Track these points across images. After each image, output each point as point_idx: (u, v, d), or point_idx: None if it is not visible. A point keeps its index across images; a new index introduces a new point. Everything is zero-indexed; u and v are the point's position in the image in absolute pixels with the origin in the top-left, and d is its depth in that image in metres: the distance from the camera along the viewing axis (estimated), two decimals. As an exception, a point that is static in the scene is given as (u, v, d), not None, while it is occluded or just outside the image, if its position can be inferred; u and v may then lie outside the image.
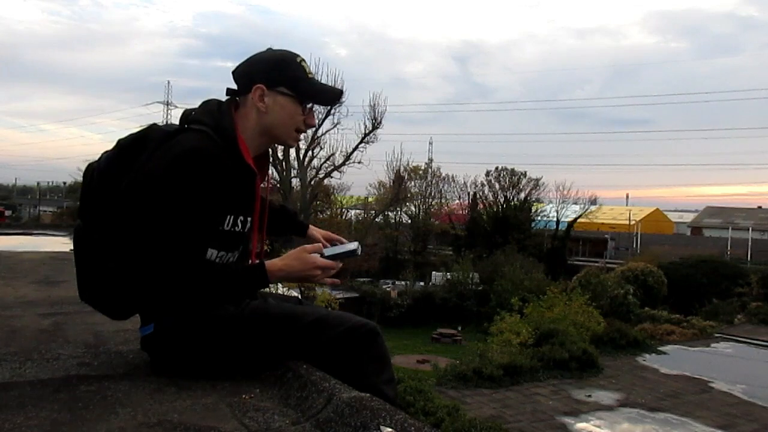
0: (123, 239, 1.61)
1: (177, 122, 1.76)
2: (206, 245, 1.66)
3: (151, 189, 1.56)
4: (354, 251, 1.75)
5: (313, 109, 1.81)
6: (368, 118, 24.32)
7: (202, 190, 1.56)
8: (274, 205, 2.03)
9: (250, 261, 1.80)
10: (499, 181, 34.19)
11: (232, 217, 1.67)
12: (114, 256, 1.65)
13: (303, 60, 1.74)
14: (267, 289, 2.00)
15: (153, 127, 1.72)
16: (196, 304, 1.62)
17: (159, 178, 1.55)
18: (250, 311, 1.67)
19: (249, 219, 1.72)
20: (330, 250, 1.72)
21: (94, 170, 1.73)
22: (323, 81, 1.85)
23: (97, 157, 1.78)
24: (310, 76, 1.73)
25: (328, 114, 22.81)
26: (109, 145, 1.77)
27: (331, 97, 1.81)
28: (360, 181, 63.51)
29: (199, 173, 1.55)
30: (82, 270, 1.74)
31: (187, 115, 1.71)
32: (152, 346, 1.72)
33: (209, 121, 1.66)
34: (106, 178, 1.69)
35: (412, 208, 36.28)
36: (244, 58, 1.76)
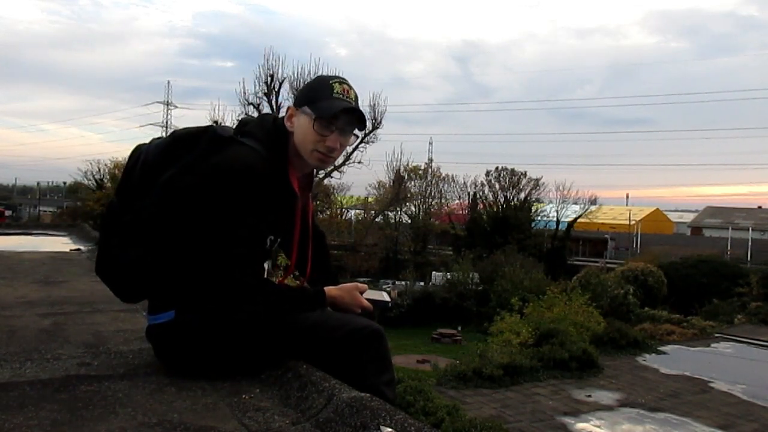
0: (160, 232, 1.65)
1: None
2: (261, 259, 1.71)
3: (205, 195, 1.59)
4: (387, 303, 1.91)
5: (352, 132, 1.74)
6: (368, 118, 24.30)
7: (250, 203, 1.58)
8: (325, 252, 2.06)
9: (281, 278, 1.87)
10: (499, 181, 34.18)
11: (267, 235, 1.71)
12: (141, 242, 1.67)
13: (339, 82, 1.70)
14: None
15: (210, 128, 1.74)
16: (254, 312, 1.64)
17: (211, 186, 1.59)
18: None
19: (278, 239, 1.76)
20: (369, 294, 1.85)
21: (142, 153, 1.75)
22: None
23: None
24: (335, 95, 1.66)
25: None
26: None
27: (344, 114, 1.67)
28: (360, 181, 63.48)
29: (247, 187, 1.58)
30: (104, 246, 1.75)
31: (242, 126, 1.74)
32: (163, 336, 1.72)
33: (262, 137, 1.68)
34: (151, 165, 1.71)
35: (412, 208, 36.27)
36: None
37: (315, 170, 1.90)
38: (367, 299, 1.82)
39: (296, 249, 1.81)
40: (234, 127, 1.78)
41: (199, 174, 1.62)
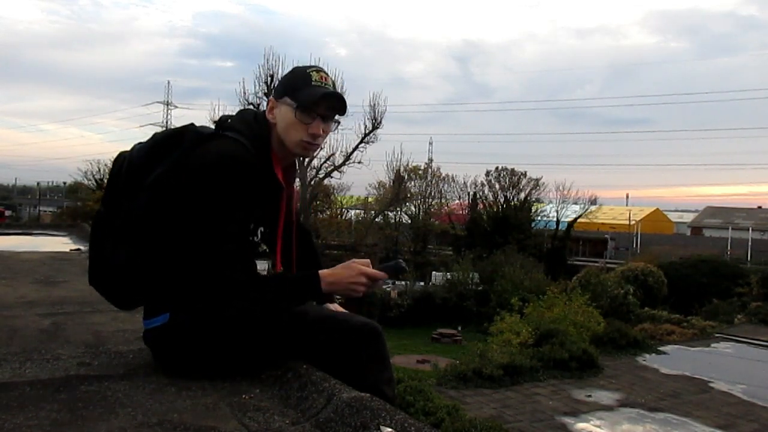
0: (150, 233, 1.64)
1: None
2: (250, 251, 1.69)
3: (191, 191, 1.59)
4: (402, 268, 1.77)
5: (334, 119, 1.76)
6: (368, 118, 24.29)
7: (237, 197, 1.58)
8: (312, 248, 2.06)
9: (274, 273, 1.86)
10: (499, 181, 34.17)
11: (256, 227, 1.71)
12: (132, 243, 1.66)
13: (316, 70, 1.73)
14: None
15: (189, 127, 1.75)
16: (246, 308, 1.61)
17: (197, 181, 1.58)
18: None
19: (267, 231, 1.76)
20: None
21: (125, 160, 1.75)
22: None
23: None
24: (314, 83, 1.69)
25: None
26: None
27: (325, 99, 1.70)
28: (360, 181, 63.52)
29: (233, 180, 1.57)
30: (95, 255, 1.75)
31: (223, 122, 1.75)
32: (160, 340, 1.71)
33: (244, 130, 1.69)
34: (135, 169, 1.71)
35: (412, 208, 36.26)
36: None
37: (298, 160, 1.90)
38: (379, 267, 1.69)
39: (281, 240, 1.81)
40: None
41: (186, 170, 1.61)
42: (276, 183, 1.71)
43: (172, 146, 1.69)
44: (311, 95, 1.68)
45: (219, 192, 1.57)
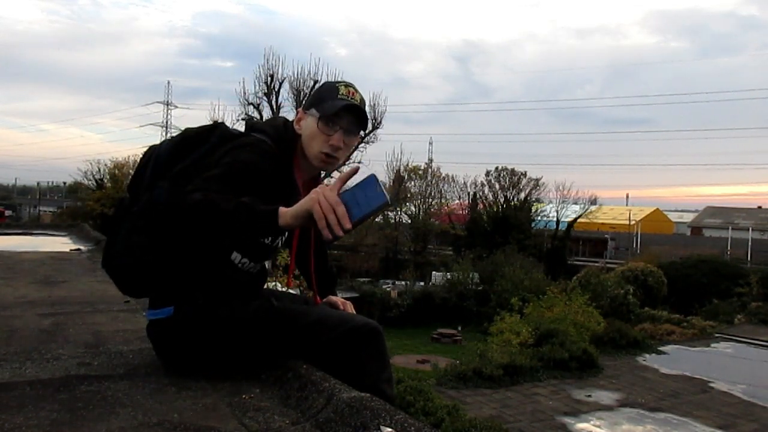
0: (165, 223, 1.62)
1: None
2: (231, 247, 1.70)
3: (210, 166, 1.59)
4: (378, 197, 1.36)
5: (357, 134, 1.77)
6: (368, 118, 24.30)
7: (253, 177, 1.57)
8: (326, 262, 2.07)
9: (286, 281, 1.87)
10: (499, 181, 34.18)
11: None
12: (145, 233, 1.67)
13: (345, 85, 1.75)
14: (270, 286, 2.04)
15: (220, 125, 1.79)
16: (207, 222, 1.46)
17: (218, 159, 1.60)
18: (254, 310, 1.69)
19: (279, 236, 1.76)
20: (349, 194, 1.39)
21: (154, 151, 1.79)
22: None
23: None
24: (340, 96, 1.70)
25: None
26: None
27: (346, 112, 1.70)
28: (360, 181, 63.40)
29: (252, 163, 1.59)
30: (111, 240, 1.77)
31: (252, 124, 1.79)
32: (162, 333, 1.72)
33: (272, 133, 1.72)
34: (162, 161, 1.74)
35: (412, 208, 36.24)
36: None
37: (320, 174, 1.91)
38: (345, 194, 1.39)
39: (296, 249, 1.83)
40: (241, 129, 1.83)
41: (213, 161, 1.63)
42: (293, 188, 1.71)
43: (200, 142, 1.73)
44: (333, 106, 1.69)
45: (233, 164, 1.57)
